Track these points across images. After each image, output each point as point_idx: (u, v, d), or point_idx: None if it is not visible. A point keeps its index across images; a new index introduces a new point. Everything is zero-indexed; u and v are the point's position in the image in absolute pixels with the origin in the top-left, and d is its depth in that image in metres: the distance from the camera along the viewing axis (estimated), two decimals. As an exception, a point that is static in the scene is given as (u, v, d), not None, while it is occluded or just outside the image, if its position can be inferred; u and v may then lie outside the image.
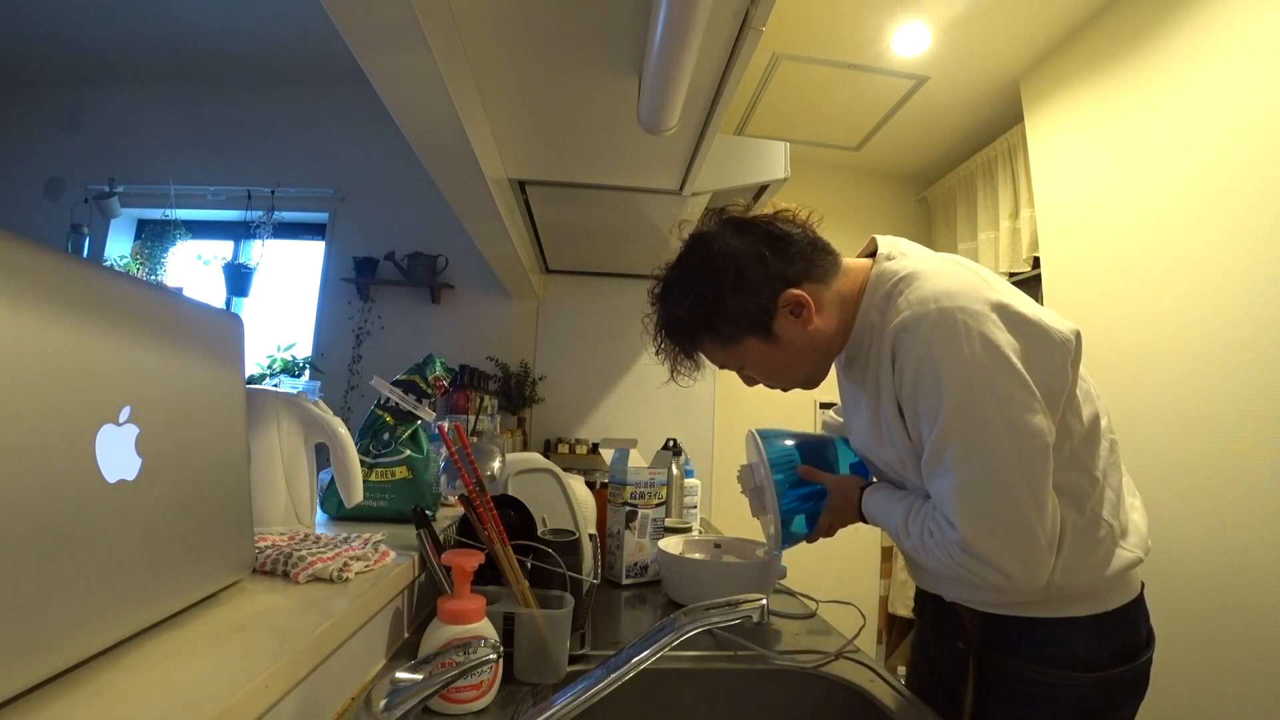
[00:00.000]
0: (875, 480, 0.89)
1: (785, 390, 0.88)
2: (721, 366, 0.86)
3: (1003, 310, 0.67)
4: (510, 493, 0.99)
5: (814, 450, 0.98)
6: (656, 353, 0.87)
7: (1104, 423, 0.75)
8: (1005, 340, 0.65)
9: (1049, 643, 0.73)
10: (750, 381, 0.88)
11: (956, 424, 0.65)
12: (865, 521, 0.87)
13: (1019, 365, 0.65)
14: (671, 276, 0.82)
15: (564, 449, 2.58)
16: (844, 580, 2.84)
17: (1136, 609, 0.76)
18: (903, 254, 0.78)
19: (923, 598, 0.93)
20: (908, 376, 0.68)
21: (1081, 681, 0.71)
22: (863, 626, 0.94)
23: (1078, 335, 0.71)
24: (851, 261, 0.81)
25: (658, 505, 1.21)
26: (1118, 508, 0.75)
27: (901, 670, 2.35)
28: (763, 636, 0.92)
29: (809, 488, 0.93)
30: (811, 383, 0.86)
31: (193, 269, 2.78)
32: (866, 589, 2.80)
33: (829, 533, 0.93)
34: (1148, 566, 0.77)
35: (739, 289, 0.75)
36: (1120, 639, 0.74)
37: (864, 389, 0.80)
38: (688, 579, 1.07)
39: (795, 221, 0.79)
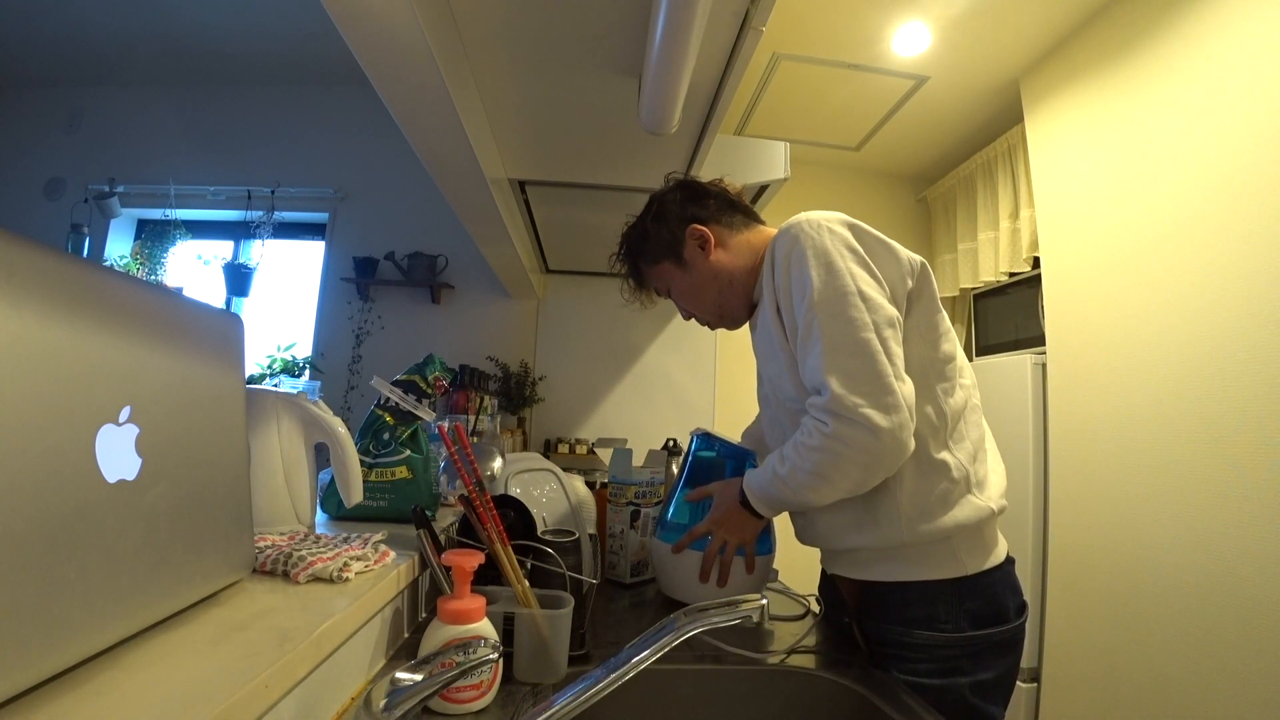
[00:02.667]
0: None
1: (712, 326, 1.04)
2: (658, 291, 1.06)
3: (855, 225, 0.83)
4: (510, 493, 0.99)
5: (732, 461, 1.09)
6: (623, 283, 1.11)
7: (966, 381, 0.87)
8: (857, 240, 0.82)
9: (913, 605, 0.81)
10: (685, 314, 1.05)
11: (821, 295, 0.78)
12: (752, 510, 0.89)
13: (867, 258, 0.81)
14: (628, 220, 1.06)
15: (564, 449, 2.58)
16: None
17: (1000, 578, 0.83)
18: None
19: (822, 581, 1.03)
20: (780, 269, 0.83)
21: (940, 641, 0.79)
22: (818, 618, 0.99)
23: (924, 265, 0.85)
24: (768, 228, 0.99)
25: (656, 504, 1.21)
26: (974, 457, 0.83)
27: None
28: (745, 635, 0.92)
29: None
30: (725, 317, 1.01)
31: (193, 269, 2.78)
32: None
33: (716, 532, 0.94)
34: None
35: (658, 220, 0.98)
36: (981, 603, 0.80)
37: (757, 323, 0.95)
38: (679, 574, 1.06)
39: (717, 185, 1.01)
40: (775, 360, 0.88)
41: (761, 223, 1.00)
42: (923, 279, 0.84)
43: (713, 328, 1.04)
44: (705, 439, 1.12)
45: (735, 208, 0.99)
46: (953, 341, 0.86)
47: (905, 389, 0.76)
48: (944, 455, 0.81)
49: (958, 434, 0.83)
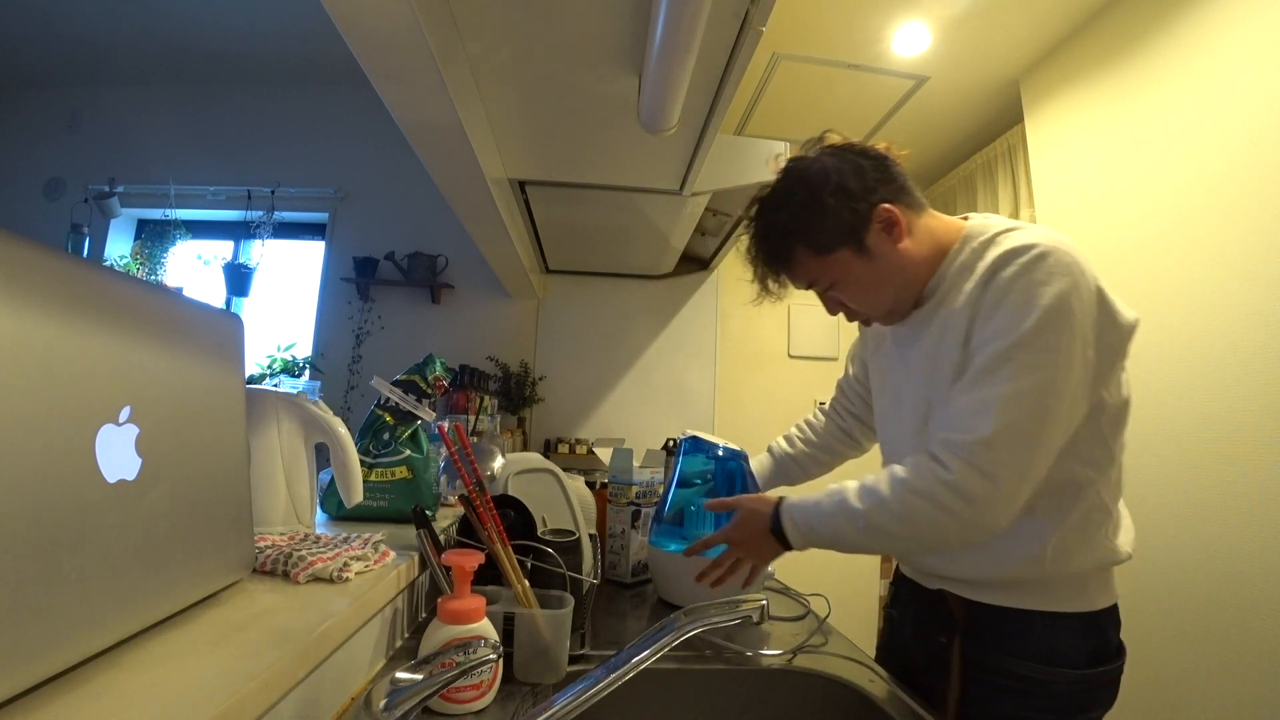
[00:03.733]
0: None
1: (865, 321, 0.88)
2: (808, 285, 0.85)
3: (1101, 290, 0.71)
4: (510, 493, 0.99)
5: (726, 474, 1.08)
6: (752, 266, 0.87)
7: (1129, 414, 0.77)
8: (1099, 308, 0.70)
9: (1035, 637, 0.74)
10: (834, 306, 0.86)
11: (1035, 340, 0.66)
12: (782, 537, 0.80)
13: (1093, 338, 0.69)
14: (772, 189, 0.84)
15: (564, 449, 2.58)
16: (844, 580, 2.84)
17: (1116, 615, 0.79)
18: (1001, 220, 0.80)
19: (904, 593, 0.93)
20: (1003, 282, 0.69)
21: (1063, 678, 0.73)
22: (826, 617, 0.98)
23: (1136, 324, 0.73)
24: (945, 216, 0.84)
25: (653, 503, 1.22)
26: (1118, 501, 0.78)
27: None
28: (744, 634, 0.92)
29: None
30: (892, 314, 0.84)
31: (193, 269, 2.78)
32: (866, 589, 2.80)
33: (732, 548, 0.86)
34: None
35: (838, 195, 0.77)
36: (1099, 640, 0.76)
37: (923, 334, 0.80)
38: (675, 577, 1.07)
39: (893, 154, 0.82)
40: (929, 388, 0.78)
41: (936, 213, 0.84)
42: (1130, 340, 0.74)
43: (868, 324, 0.89)
44: (694, 442, 1.12)
45: (912, 189, 0.82)
46: (1129, 386, 0.77)
47: (1035, 475, 0.68)
48: (1107, 499, 0.75)
49: (1117, 478, 0.77)
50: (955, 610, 0.80)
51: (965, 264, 0.76)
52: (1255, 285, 1.41)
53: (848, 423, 1.13)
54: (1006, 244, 0.71)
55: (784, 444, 1.19)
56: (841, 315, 0.88)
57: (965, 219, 0.82)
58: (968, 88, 2.37)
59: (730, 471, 1.10)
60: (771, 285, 0.87)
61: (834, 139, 0.83)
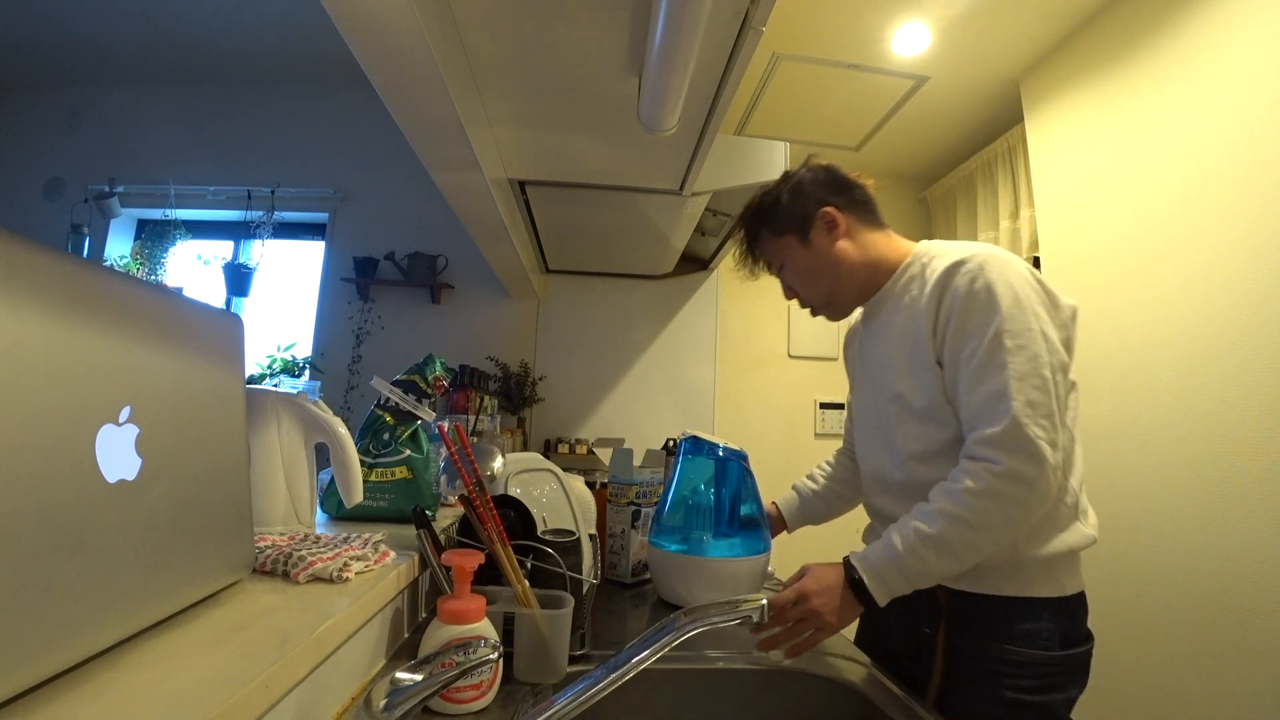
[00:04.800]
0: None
1: (814, 312, 1.03)
2: (768, 265, 1.05)
3: (1034, 270, 0.84)
4: (510, 493, 0.99)
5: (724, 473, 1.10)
6: (737, 246, 1.08)
7: (1076, 396, 0.84)
8: (1038, 283, 0.82)
9: (1016, 621, 0.80)
10: (786, 290, 1.03)
11: (1009, 327, 0.77)
12: (865, 594, 0.77)
13: (1048, 301, 0.81)
14: (762, 189, 1.05)
15: (564, 449, 2.58)
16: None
17: (1084, 602, 0.85)
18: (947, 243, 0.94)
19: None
20: (960, 296, 0.81)
21: (1042, 660, 0.79)
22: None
23: (1074, 311, 0.86)
24: (903, 239, 0.99)
25: (654, 503, 1.22)
26: (1080, 485, 0.83)
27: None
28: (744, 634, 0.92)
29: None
30: (833, 306, 1.00)
31: (193, 269, 2.78)
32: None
33: (805, 595, 0.78)
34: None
35: (794, 193, 0.98)
36: (1072, 625, 0.82)
37: (888, 329, 0.93)
38: (675, 577, 1.06)
39: (860, 180, 1.00)
40: (915, 377, 0.86)
41: (891, 235, 0.99)
42: (1073, 324, 0.85)
43: (814, 314, 1.04)
44: (694, 442, 1.13)
45: (872, 209, 0.98)
46: (1075, 371, 0.85)
47: (1065, 436, 0.77)
48: (1072, 481, 0.81)
49: (1073, 461, 0.83)
50: (942, 600, 0.85)
51: (914, 275, 0.91)
52: (1255, 285, 1.41)
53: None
54: (951, 256, 0.84)
55: (809, 481, 1.24)
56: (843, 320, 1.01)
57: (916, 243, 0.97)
58: (968, 88, 2.37)
59: (730, 471, 1.10)
60: (747, 260, 1.07)
61: (819, 161, 1.02)
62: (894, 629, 0.94)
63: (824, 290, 0.99)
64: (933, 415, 0.84)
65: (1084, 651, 0.82)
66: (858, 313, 1.06)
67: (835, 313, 1.02)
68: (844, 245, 0.95)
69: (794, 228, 0.97)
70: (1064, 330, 0.82)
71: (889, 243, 0.97)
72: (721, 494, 1.09)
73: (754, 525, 1.09)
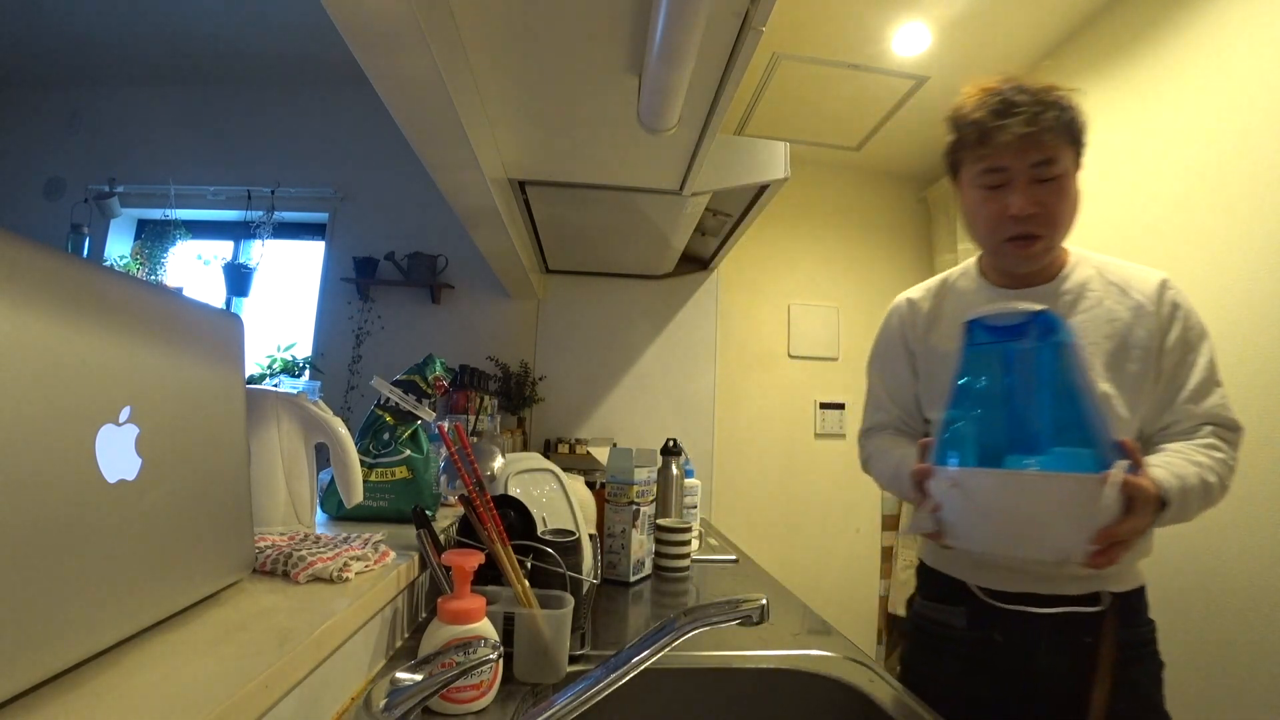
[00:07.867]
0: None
1: (1031, 240, 0.89)
2: (1042, 161, 0.87)
3: None
4: (510, 493, 0.99)
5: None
6: (1028, 126, 0.89)
7: None
8: None
9: (1145, 607, 0.92)
10: (1032, 205, 0.87)
11: (1201, 326, 0.90)
12: (1164, 510, 0.74)
13: None
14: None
15: (564, 449, 2.58)
16: (844, 580, 2.84)
17: None
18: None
19: (1007, 614, 0.88)
20: (1190, 321, 0.90)
21: (1154, 636, 0.92)
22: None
23: None
24: None
25: (652, 502, 1.23)
26: None
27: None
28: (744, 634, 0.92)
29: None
30: (1058, 237, 0.92)
31: (193, 269, 2.78)
32: (866, 588, 2.80)
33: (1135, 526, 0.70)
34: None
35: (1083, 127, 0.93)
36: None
37: (1072, 312, 0.93)
38: (990, 507, 0.69)
39: None
40: (1115, 378, 0.90)
41: None
42: None
43: (1030, 244, 0.89)
44: (980, 326, 0.76)
45: None
46: None
47: None
48: None
49: None
50: (1106, 604, 0.89)
51: (1091, 278, 0.94)
52: (1256, 285, 1.41)
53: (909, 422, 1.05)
54: (1152, 273, 0.92)
55: (897, 437, 1.05)
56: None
57: None
58: (968, 88, 2.37)
59: (1049, 350, 0.71)
60: (1050, 126, 0.87)
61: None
62: (1044, 651, 0.87)
63: (1067, 222, 0.90)
64: (1131, 422, 0.89)
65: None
66: (905, 296, 1.05)
67: (1045, 250, 0.90)
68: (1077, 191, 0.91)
69: (1079, 145, 0.90)
70: None
71: None
72: (1040, 385, 0.72)
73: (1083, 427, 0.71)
